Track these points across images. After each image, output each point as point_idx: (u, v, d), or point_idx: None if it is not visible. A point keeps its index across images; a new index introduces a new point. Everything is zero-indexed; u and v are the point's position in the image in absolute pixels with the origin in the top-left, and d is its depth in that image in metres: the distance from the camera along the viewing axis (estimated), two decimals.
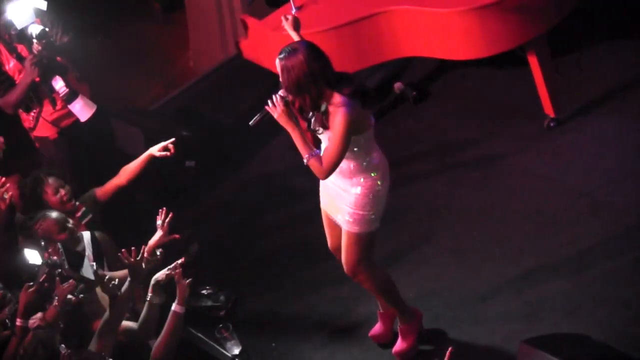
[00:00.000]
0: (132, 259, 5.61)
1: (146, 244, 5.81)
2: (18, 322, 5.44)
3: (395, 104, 7.86)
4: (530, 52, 6.93)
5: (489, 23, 6.73)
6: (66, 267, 5.62)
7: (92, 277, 5.87)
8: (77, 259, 5.95)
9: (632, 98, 7.16)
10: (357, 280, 5.80)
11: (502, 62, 7.25)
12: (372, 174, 5.52)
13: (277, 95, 5.26)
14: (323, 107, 5.30)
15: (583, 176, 6.77)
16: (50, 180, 6.38)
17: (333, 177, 5.52)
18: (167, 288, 5.85)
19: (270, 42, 7.01)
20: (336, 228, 5.79)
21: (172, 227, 5.98)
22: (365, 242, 5.62)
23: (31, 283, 5.56)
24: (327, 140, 5.34)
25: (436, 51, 7.07)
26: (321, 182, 5.68)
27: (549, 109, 7.09)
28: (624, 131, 6.99)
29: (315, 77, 5.21)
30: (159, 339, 5.56)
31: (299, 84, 5.21)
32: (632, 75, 7.29)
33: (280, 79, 5.30)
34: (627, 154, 6.83)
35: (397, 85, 7.85)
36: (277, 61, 5.28)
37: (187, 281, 5.67)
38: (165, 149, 6.47)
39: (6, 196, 6.05)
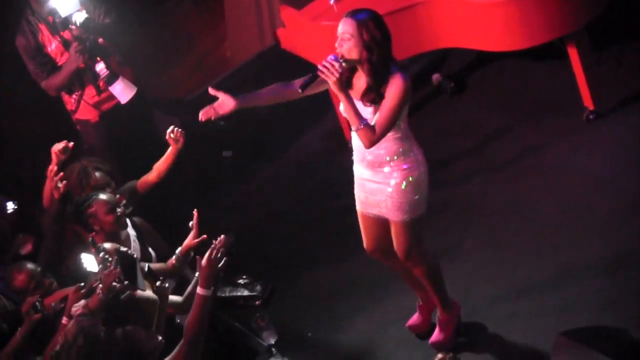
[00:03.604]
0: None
1: (181, 236, 6.00)
2: (64, 321, 5.49)
3: (432, 95, 7.92)
4: (571, 44, 6.96)
5: (529, 14, 6.74)
6: (122, 277, 5.63)
7: (144, 287, 5.96)
8: (131, 270, 5.92)
9: None
10: (409, 265, 5.82)
11: (541, 55, 7.28)
12: (409, 157, 5.51)
13: (332, 60, 5.18)
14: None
15: (622, 171, 6.76)
16: (103, 197, 6.27)
17: (370, 174, 5.57)
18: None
19: (309, 32, 7.07)
20: (374, 229, 5.82)
21: (202, 225, 6.06)
22: (413, 228, 5.63)
23: (82, 284, 5.63)
24: (369, 114, 5.30)
25: (475, 42, 7.10)
26: (356, 182, 5.70)
27: (588, 102, 7.12)
28: None
29: (385, 39, 5.25)
30: (189, 316, 5.49)
31: (367, 43, 5.20)
32: None
33: (342, 39, 5.24)
34: None
35: (435, 77, 7.93)
36: (346, 19, 5.25)
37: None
38: None
39: (60, 185, 6.09)
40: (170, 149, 6.61)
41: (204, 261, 5.28)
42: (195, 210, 5.93)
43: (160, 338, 5.31)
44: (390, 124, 5.27)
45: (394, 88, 5.20)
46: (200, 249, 5.91)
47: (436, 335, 6.04)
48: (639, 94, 7.23)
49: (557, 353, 5.54)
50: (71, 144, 6.37)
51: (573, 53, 6.98)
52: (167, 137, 6.59)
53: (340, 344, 6.40)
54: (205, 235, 5.89)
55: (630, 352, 5.50)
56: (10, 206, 6.85)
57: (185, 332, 5.33)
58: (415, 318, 6.21)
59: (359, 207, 5.77)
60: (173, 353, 5.37)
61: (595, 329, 5.70)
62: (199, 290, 5.36)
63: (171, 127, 6.59)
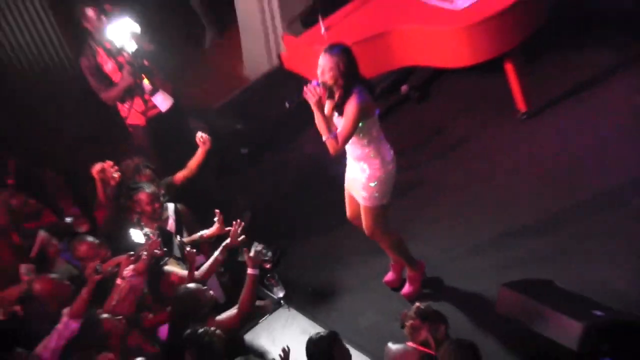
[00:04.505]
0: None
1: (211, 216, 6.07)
2: (118, 281, 5.58)
3: (402, 102, 7.85)
4: (507, 60, 6.96)
5: (475, 38, 6.72)
6: (161, 246, 5.79)
7: (179, 254, 6.05)
8: (169, 241, 6.08)
9: (590, 96, 7.11)
10: (374, 239, 5.84)
11: (485, 68, 7.15)
12: (377, 159, 5.46)
13: (314, 86, 5.21)
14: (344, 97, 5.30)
15: (548, 155, 6.83)
16: (148, 190, 6.30)
17: (352, 162, 5.56)
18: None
19: (305, 55, 7.04)
20: (353, 202, 5.85)
21: (226, 204, 6.18)
22: (376, 213, 5.65)
23: (132, 253, 5.69)
24: (337, 121, 5.31)
25: (434, 61, 7.06)
26: (347, 166, 5.69)
27: (521, 105, 7.12)
28: (585, 121, 6.93)
29: (352, 67, 5.24)
30: (243, 292, 5.59)
31: (345, 71, 5.20)
32: (589, 79, 7.22)
33: (326, 66, 5.25)
34: (588, 140, 6.78)
35: (404, 88, 7.86)
36: (325, 55, 5.26)
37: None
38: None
39: (116, 175, 6.18)
40: (199, 150, 6.59)
41: (252, 254, 5.58)
42: (218, 211, 6.06)
43: (211, 293, 5.51)
44: (348, 135, 5.28)
45: (350, 106, 5.21)
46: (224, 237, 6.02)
47: (406, 288, 6.10)
48: (560, 98, 7.19)
49: (501, 301, 5.52)
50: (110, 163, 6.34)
51: (509, 67, 6.99)
52: (197, 140, 6.60)
53: (334, 296, 6.40)
54: (229, 228, 5.97)
55: (559, 299, 5.48)
56: None
57: (240, 304, 5.52)
58: (389, 275, 6.24)
59: (345, 184, 5.79)
60: (227, 314, 5.56)
61: (529, 280, 5.68)
62: (250, 271, 5.54)
63: (199, 133, 6.61)
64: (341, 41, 6.54)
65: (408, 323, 5.02)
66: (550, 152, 6.84)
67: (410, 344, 4.99)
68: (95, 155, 6.56)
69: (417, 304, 5.11)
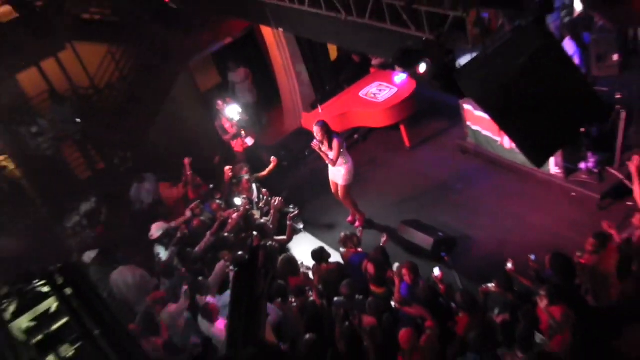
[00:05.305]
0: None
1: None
2: (229, 220, 5.57)
3: (354, 143, 7.56)
4: (402, 123, 6.94)
5: (388, 114, 6.81)
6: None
7: (256, 208, 6.07)
8: (251, 203, 6.04)
9: (438, 140, 7.03)
10: (344, 201, 5.98)
11: (393, 126, 7.03)
12: (345, 164, 5.65)
13: (317, 142, 5.43)
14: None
15: (421, 167, 6.77)
16: (246, 177, 6.20)
17: (333, 168, 5.76)
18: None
19: (312, 122, 6.90)
20: (335, 186, 5.93)
21: (272, 189, 6.10)
22: (347, 188, 5.86)
23: (235, 208, 5.83)
24: (330, 153, 5.51)
25: (370, 124, 7.09)
26: (330, 171, 5.81)
27: (407, 143, 7.09)
28: (436, 152, 6.89)
29: (329, 129, 5.41)
30: (287, 231, 5.43)
31: (326, 132, 5.39)
32: (436, 132, 7.12)
33: (317, 132, 5.38)
34: (437, 160, 6.75)
35: (355, 136, 7.56)
36: (315, 126, 5.47)
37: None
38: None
39: (230, 174, 6.23)
40: (272, 164, 6.40)
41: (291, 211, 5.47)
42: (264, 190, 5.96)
43: (270, 226, 5.51)
44: (337, 157, 5.60)
45: (335, 144, 5.50)
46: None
47: (357, 224, 6.16)
48: (424, 140, 7.05)
49: (400, 230, 5.69)
50: (231, 167, 6.28)
51: (402, 126, 6.97)
52: (271, 159, 6.39)
53: (325, 226, 6.39)
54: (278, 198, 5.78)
55: (423, 227, 5.58)
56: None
57: (287, 234, 5.44)
58: (350, 218, 6.31)
59: (330, 177, 5.89)
60: (282, 237, 5.41)
61: (411, 220, 5.73)
62: (289, 221, 5.36)
63: (273, 157, 6.38)
64: (327, 116, 6.65)
65: (340, 240, 5.16)
66: (422, 165, 6.80)
67: (345, 248, 5.14)
68: (223, 164, 6.62)
69: (342, 233, 5.17)
